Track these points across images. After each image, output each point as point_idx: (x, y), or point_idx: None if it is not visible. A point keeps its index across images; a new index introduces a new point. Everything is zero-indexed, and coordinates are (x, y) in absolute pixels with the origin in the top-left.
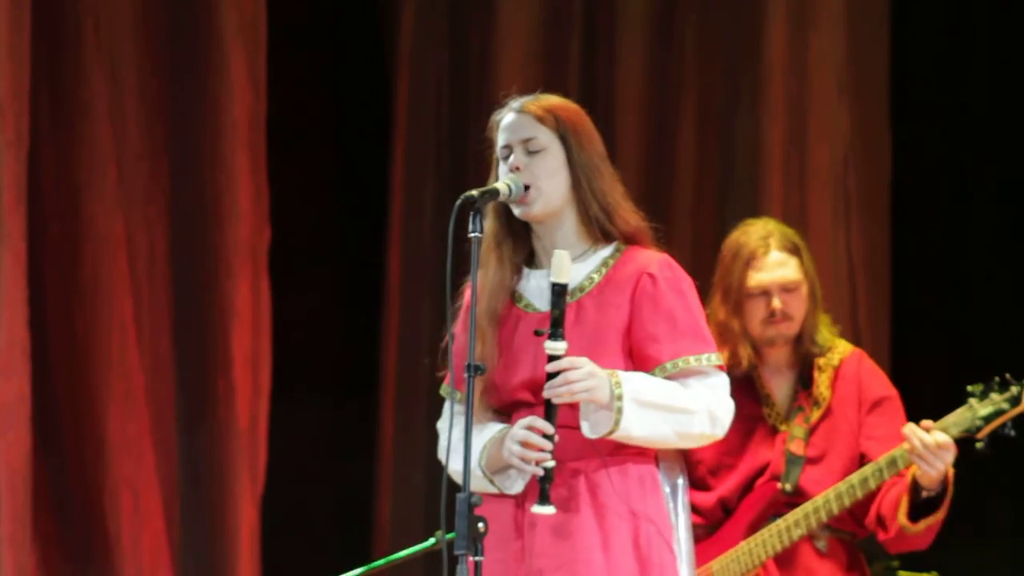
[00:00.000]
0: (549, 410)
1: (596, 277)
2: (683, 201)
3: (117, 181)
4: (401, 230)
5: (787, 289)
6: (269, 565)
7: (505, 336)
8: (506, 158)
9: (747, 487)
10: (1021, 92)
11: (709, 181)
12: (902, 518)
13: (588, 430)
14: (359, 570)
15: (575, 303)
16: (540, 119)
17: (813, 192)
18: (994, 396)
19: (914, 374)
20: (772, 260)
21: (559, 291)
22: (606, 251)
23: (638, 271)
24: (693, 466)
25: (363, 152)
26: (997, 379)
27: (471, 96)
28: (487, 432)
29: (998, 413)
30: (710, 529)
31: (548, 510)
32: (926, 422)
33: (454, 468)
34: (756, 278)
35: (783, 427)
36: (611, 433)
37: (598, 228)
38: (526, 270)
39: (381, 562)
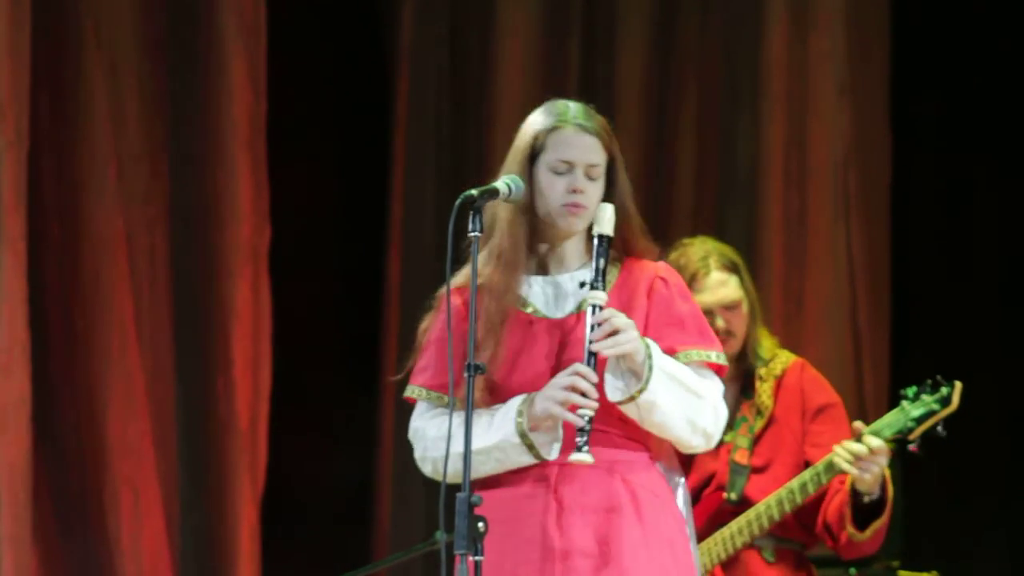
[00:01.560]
0: (591, 363)
1: (609, 283)
2: (683, 201)
3: (117, 181)
4: (401, 230)
5: (728, 308)
6: (269, 565)
7: (514, 341)
8: (560, 173)
9: (694, 499)
10: (1021, 92)
11: (709, 181)
12: (849, 527)
13: (613, 392)
14: (359, 570)
15: (582, 312)
16: (602, 145)
17: (813, 192)
18: (925, 397)
19: (914, 374)
20: (713, 280)
21: (602, 241)
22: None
23: (649, 276)
24: None
25: (363, 152)
26: (929, 381)
27: (471, 96)
28: (508, 403)
29: (929, 414)
30: None
31: (587, 458)
32: (857, 424)
33: (456, 450)
34: (698, 299)
35: (727, 437)
36: (638, 394)
37: (616, 246)
38: (530, 277)
39: (381, 562)
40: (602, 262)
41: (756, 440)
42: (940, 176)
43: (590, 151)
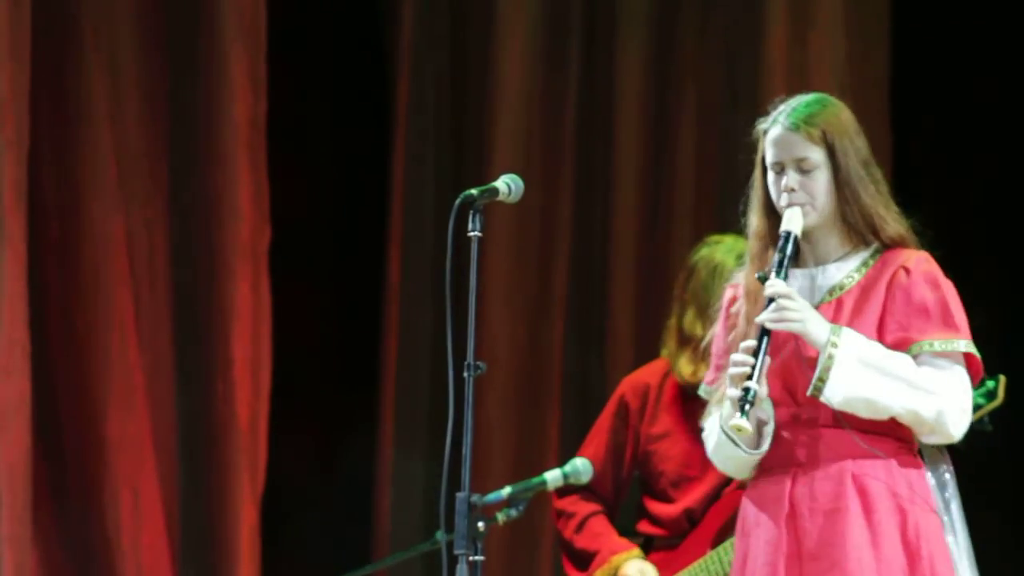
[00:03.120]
0: (761, 336)
1: (856, 276)
2: (683, 201)
3: (117, 181)
4: (401, 230)
5: None
6: (269, 565)
7: (777, 339)
8: (778, 173)
9: (714, 496)
10: (1021, 92)
11: (709, 181)
12: None
13: (810, 387)
14: (359, 570)
15: (835, 301)
16: (810, 137)
17: None
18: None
19: None
20: None
21: (787, 237)
22: (866, 252)
23: (895, 268)
24: (654, 478)
25: (363, 152)
26: None
27: (471, 96)
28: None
29: (975, 408)
30: (673, 540)
31: (742, 422)
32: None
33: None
34: None
35: None
36: (820, 383)
37: (859, 234)
38: (794, 270)
39: (381, 563)
40: (781, 257)
41: None
42: (940, 176)
43: (795, 147)
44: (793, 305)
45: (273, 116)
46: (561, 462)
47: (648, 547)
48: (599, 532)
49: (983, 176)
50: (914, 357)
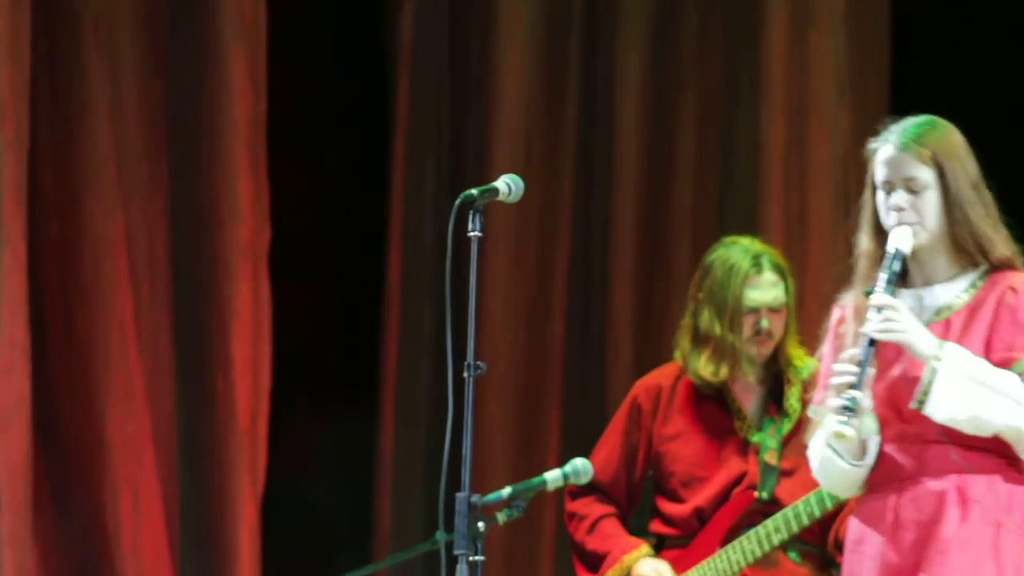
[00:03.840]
0: (866, 347)
1: (965, 297)
2: (683, 201)
3: (117, 181)
4: (401, 230)
5: (775, 310)
6: (269, 565)
7: (881, 354)
8: (888, 192)
9: (724, 497)
10: (1021, 92)
11: (709, 181)
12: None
13: (914, 400)
14: (359, 570)
15: (943, 321)
16: (920, 157)
17: (813, 192)
18: None
19: None
20: (766, 280)
21: (894, 255)
22: (974, 274)
23: (1003, 288)
24: (665, 478)
25: (363, 152)
26: None
27: (471, 96)
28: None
29: None
30: (684, 539)
31: (844, 428)
32: None
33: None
34: (750, 296)
35: (755, 438)
36: (924, 396)
37: (968, 255)
38: (901, 291)
39: (381, 563)
40: (888, 274)
41: (784, 443)
42: None
43: (904, 167)
44: (898, 316)
45: (273, 116)
46: (561, 462)
47: (660, 546)
48: (610, 533)
49: (983, 176)
50: (1019, 375)
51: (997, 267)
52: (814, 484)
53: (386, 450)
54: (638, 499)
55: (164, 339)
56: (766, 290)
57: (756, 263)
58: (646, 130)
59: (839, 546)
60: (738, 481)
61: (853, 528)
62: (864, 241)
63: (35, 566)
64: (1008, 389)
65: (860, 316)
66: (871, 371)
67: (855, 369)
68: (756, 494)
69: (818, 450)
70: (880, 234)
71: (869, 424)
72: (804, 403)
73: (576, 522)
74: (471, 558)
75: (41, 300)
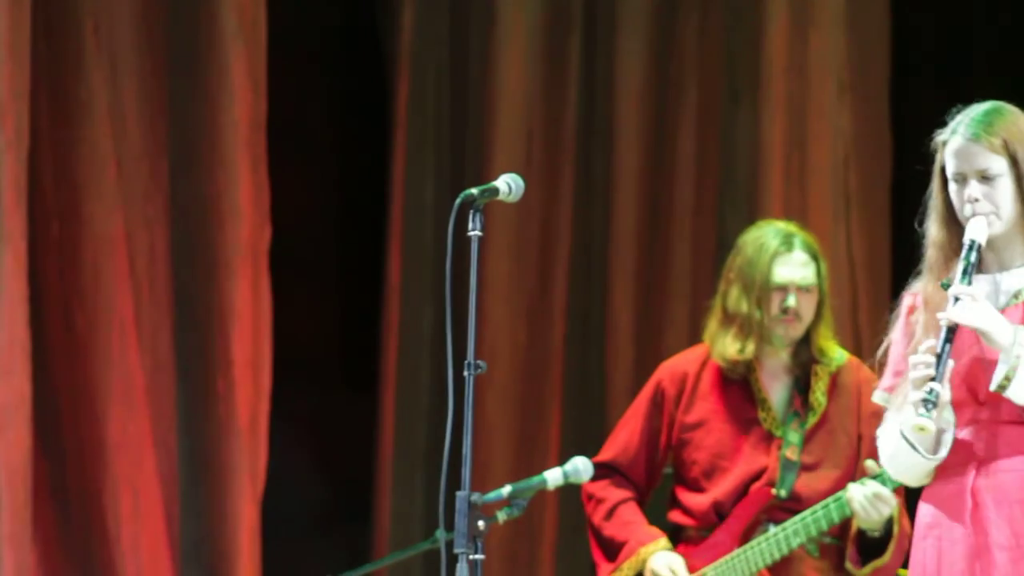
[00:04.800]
0: (945, 337)
1: None
2: (683, 201)
3: (117, 181)
4: (401, 230)
5: (804, 290)
6: (269, 565)
7: (958, 343)
8: (960, 183)
9: (743, 491)
10: (1021, 92)
11: (709, 181)
12: (848, 564)
13: (993, 382)
14: (359, 570)
15: (1021, 304)
16: (992, 147)
17: (813, 192)
18: None
19: None
20: (796, 259)
21: (971, 245)
22: None
23: None
24: (687, 467)
25: (363, 152)
26: None
27: (471, 96)
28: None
29: None
30: (702, 532)
31: (924, 421)
32: (870, 463)
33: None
34: (779, 273)
35: (778, 432)
36: (1005, 383)
37: None
38: (977, 276)
39: (381, 562)
40: (966, 265)
41: (807, 438)
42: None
43: (977, 158)
44: (976, 305)
45: (273, 116)
46: (561, 462)
47: (678, 537)
48: (628, 521)
49: None
50: None
51: None
52: (836, 481)
53: (386, 450)
54: (656, 481)
55: (164, 339)
56: (795, 268)
57: (787, 242)
58: (646, 130)
59: (855, 540)
60: (758, 476)
61: (925, 513)
62: (934, 231)
63: (35, 566)
64: None
65: (933, 306)
66: (950, 363)
67: (933, 360)
68: (774, 491)
69: (891, 440)
70: (950, 224)
71: (947, 416)
72: (830, 397)
73: (594, 504)
74: (471, 557)
75: (41, 300)
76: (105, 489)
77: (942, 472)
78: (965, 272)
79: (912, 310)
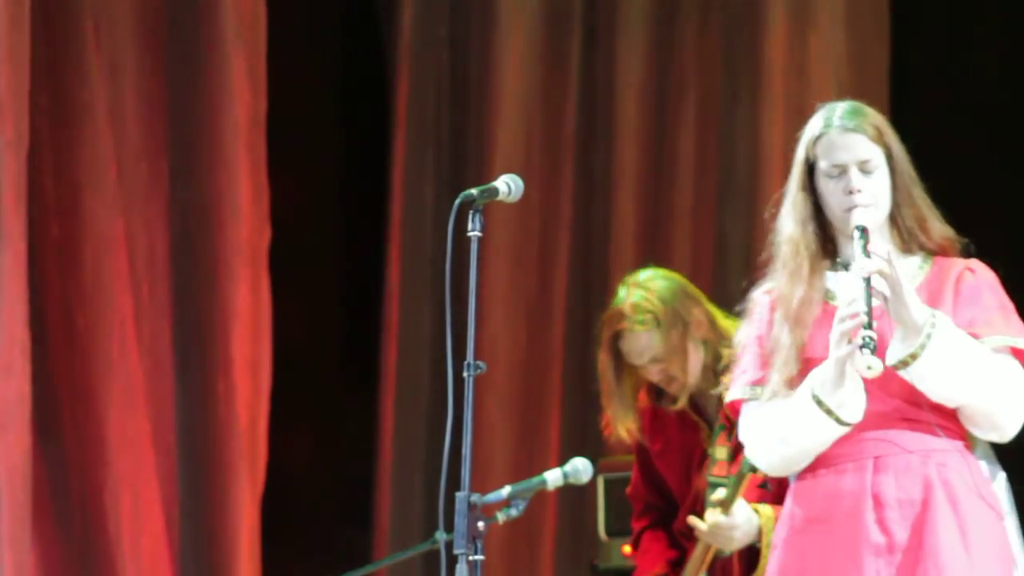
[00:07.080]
0: (866, 287)
1: (920, 276)
2: (683, 201)
3: (117, 181)
4: (401, 230)
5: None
6: (269, 565)
7: (823, 335)
8: (837, 176)
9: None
10: (1021, 92)
11: (709, 181)
12: None
13: (892, 355)
14: (359, 570)
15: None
16: (871, 137)
17: None
18: None
19: None
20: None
21: (861, 229)
22: (917, 257)
23: (958, 270)
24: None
25: (363, 152)
26: None
27: (471, 96)
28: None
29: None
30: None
31: (874, 360)
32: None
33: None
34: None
35: (710, 450)
36: (911, 359)
37: (909, 237)
38: (838, 273)
39: (381, 563)
40: (863, 245)
41: (735, 451)
42: (940, 176)
43: (857, 148)
44: (889, 269)
45: (273, 116)
46: (561, 462)
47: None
48: (644, 550)
49: (982, 177)
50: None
51: (935, 251)
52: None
53: (386, 450)
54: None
55: (164, 339)
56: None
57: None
58: (646, 130)
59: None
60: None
61: (805, 507)
62: (790, 227)
63: (35, 566)
64: (986, 361)
65: (786, 304)
66: (876, 304)
67: (861, 311)
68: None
69: (790, 416)
70: (810, 221)
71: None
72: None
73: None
74: (471, 558)
75: (41, 300)
76: (105, 489)
77: (826, 464)
78: (864, 253)
79: (773, 309)
